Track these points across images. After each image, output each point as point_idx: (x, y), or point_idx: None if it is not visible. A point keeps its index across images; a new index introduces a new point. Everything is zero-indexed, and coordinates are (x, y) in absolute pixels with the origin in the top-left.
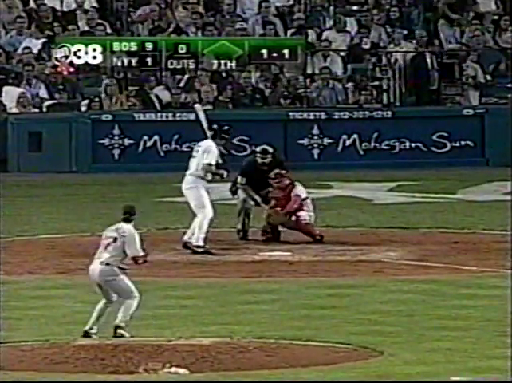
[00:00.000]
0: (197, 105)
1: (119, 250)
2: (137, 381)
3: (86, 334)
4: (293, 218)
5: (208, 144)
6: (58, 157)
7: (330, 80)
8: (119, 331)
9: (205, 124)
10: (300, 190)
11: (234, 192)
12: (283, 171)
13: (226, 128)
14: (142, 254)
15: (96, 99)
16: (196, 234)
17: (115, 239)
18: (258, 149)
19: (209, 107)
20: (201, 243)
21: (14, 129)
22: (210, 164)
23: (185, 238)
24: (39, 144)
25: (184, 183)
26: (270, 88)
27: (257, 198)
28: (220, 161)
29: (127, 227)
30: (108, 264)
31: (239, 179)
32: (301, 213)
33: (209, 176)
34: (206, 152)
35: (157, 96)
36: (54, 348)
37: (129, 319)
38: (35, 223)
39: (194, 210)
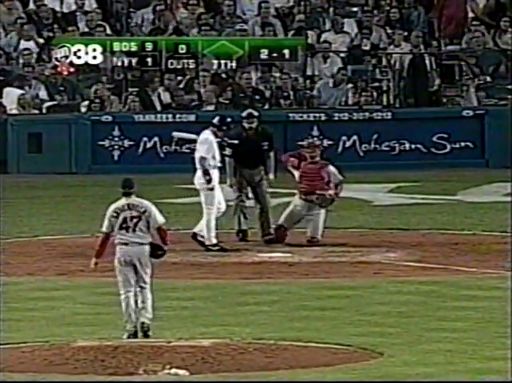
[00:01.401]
0: (174, 133)
1: (146, 227)
2: (137, 382)
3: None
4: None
5: (203, 136)
6: (58, 158)
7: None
8: (146, 327)
9: (189, 136)
10: (337, 174)
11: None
12: (318, 142)
13: (228, 120)
14: (164, 220)
15: (97, 100)
16: (206, 234)
17: (139, 218)
18: (244, 114)
19: (210, 108)
20: (214, 241)
21: (14, 130)
22: (202, 157)
23: (195, 229)
24: (39, 146)
25: (196, 178)
26: (270, 90)
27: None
28: (217, 157)
29: (141, 202)
30: (146, 244)
31: (227, 150)
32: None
33: (215, 171)
34: (200, 144)
35: (159, 97)
36: (54, 349)
37: (151, 314)
38: (35, 224)
39: (202, 206)
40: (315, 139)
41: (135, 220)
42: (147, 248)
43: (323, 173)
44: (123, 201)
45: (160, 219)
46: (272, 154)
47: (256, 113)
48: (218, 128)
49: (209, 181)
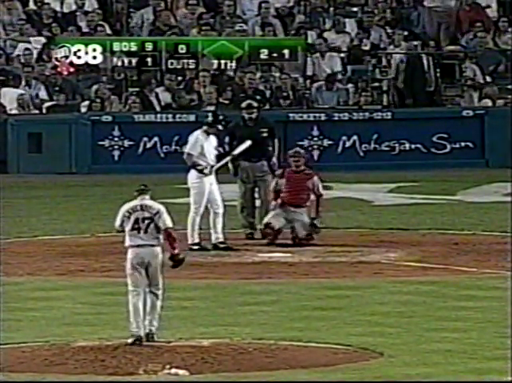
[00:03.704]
0: (248, 141)
1: (157, 230)
2: (137, 382)
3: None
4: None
5: (193, 133)
6: (58, 158)
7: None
8: (151, 337)
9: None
10: (320, 186)
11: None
12: (302, 151)
13: (221, 117)
14: (171, 225)
15: (98, 100)
16: (189, 232)
17: (151, 219)
18: (243, 105)
19: (211, 108)
20: (196, 241)
21: (14, 130)
22: (187, 153)
23: (213, 240)
24: (39, 146)
25: (188, 176)
26: (270, 90)
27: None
28: (207, 151)
29: (153, 203)
30: (157, 246)
31: (226, 139)
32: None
33: (208, 168)
34: (188, 142)
35: (157, 97)
36: (54, 349)
37: (158, 322)
38: (35, 224)
39: (191, 204)
40: (300, 149)
41: (147, 221)
42: (158, 250)
43: (309, 183)
44: (136, 201)
45: (169, 222)
46: (276, 141)
47: (256, 104)
48: (209, 126)
49: (201, 170)
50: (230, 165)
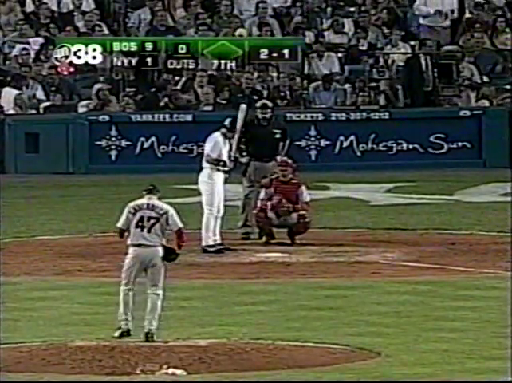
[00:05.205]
0: (242, 105)
1: (161, 231)
2: (134, 382)
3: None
4: (295, 216)
5: (212, 135)
6: (55, 158)
7: (333, 82)
8: (150, 337)
9: (239, 123)
10: (306, 195)
11: (243, 173)
12: (290, 161)
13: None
14: (182, 225)
15: (98, 100)
16: (203, 234)
17: (157, 219)
18: (258, 104)
19: (208, 108)
20: (211, 243)
21: (11, 130)
22: (207, 155)
23: (203, 243)
24: (36, 146)
25: (200, 175)
26: (268, 89)
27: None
28: (225, 155)
29: (161, 204)
30: (159, 246)
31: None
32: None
33: (222, 168)
34: (207, 142)
35: (168, 99)
36: (52, 349)
37: (158, 323)
38: (32, 224)
39: (203, 205)
40: (287, 159)
41: (152, 221)
42: (159, 249)
43: (298, 192)
44: (144, 200)
45: (180, 222)
46: (287, 142)
47: (270, 104)
48: (228, 130)
49: (224, 164)
50: (242, 159)
